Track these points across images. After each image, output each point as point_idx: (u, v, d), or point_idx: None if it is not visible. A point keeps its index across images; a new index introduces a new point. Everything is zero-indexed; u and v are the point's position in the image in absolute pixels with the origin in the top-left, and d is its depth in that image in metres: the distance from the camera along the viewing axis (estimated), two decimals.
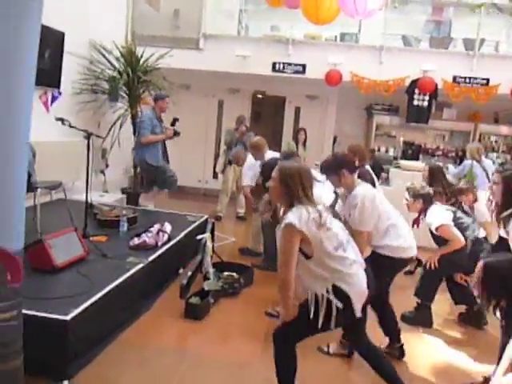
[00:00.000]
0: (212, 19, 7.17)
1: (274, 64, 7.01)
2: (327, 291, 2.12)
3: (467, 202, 4.35)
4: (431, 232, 3.59)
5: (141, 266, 3.35)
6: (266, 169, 3.63)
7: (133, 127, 6.43)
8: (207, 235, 4.04)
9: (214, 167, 8.91)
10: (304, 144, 7.20)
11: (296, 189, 2.15)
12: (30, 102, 1.96)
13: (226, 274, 4.25)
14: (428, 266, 3.52)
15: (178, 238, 4.19)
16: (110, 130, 6.15)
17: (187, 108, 7.49)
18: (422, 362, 3.13)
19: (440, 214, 3.50)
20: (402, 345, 3.10)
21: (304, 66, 6.96)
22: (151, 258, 3.57)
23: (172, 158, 6.49)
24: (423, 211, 3.59)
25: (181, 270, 4.27)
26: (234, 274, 4.27)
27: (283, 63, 6.99)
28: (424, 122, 7.07)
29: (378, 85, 6.80)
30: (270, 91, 8.33)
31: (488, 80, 6.77)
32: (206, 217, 5.23)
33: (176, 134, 5.46)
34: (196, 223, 4.85)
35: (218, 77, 7.60)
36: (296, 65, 6.95)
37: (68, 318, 2.41)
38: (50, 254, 2.98)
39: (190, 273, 3.65)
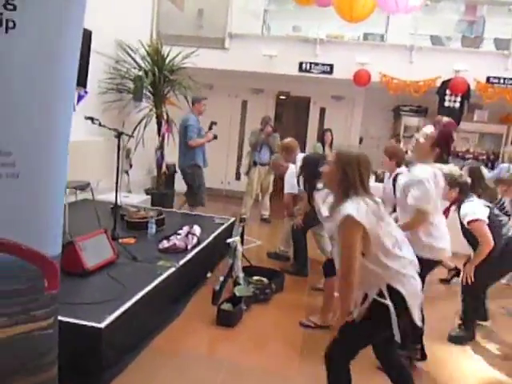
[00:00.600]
0: (237, 19, 7.06)
1: (300, 64, 6.87)
2: (381, 294, 1.95)
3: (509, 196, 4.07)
4: (462, 226, 3.36)
5: (172, 270, 3.25)
6: (309, 164, 3.50)
7: (157, 127, 6.37)
8: (237, 239, 3.91)
9: (237, 168, 8.82)
10: (330, 145, 7.03)
11: (354, 178, 1.96)
12: (71, 105, 1.88)
13: (255, 278, 4.13)
14: (465, 282, 3.31)
15: (207, 241, 4.08)
16: (134, 129, 6.09)
17: (210, 108, 7.31)
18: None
19: (477, 209, 3.26)
20: (423, 346, 2.94)
21: (331, 66, 6.80)
22: (182, 261, 3.46)
23: None
24: (457, 201, 3.36)
25: (209, 274, 4.16)
26: (264, 278, 4.16)
27: (310, 63, 6.85)
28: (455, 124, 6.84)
29: (408, 85, 6.61)
30: (295, 92, 8.19)
31: None
32: (233, 219, 5.12)
33: (215, 137, 5.51)
34: (224, 226, 4.74)
35: (242, 76, 7.49)
36: (323, 65, 6.80)
37: (102, 325, 2.31)
38: (80, 256, 2.89)
39: (222, 278, 3.53)
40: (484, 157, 7.52)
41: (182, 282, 3.45)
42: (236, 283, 3.73)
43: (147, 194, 6.47)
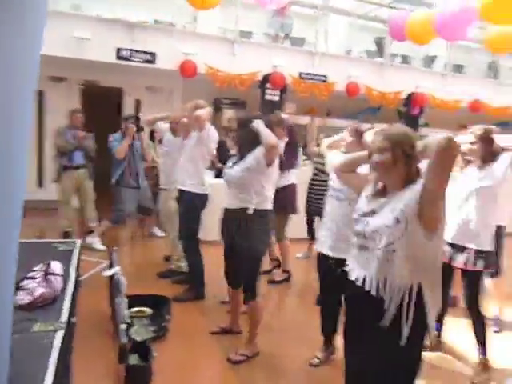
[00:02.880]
0: None
1: (118, 50, 6.03)
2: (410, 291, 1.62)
3: None
4: None
5: (61, 332, 2.33)
6: None
7: None
8: (118, 269, 3.14)
9: (39, 174, 7.31)
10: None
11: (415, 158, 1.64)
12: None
13: (134, 310, 3.45)
14: None
15: (72, 279, 3.13)
16: None
17: None
18: None
19: None
20: None
21: (154, 55, 6.20)
22: (63, 317, 2.53)
23: None
24: None
25: (74, 319, 3.23)
26: (145, 308, 3.51)
27: (130, 50, 6.09)
28: None
29: (234, 78, 6.59)
30: (105, 82, 7.21)
31: (326, 77, 7.31)
32: (77, 241, 4.13)
33: (139, 129, 5.05)
34: (75, 252, 3.74)
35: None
36: (145, 53, 6.14)
37: None
38: None
39: (123, 326, 2.74)
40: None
41: (65, 341, 2.55)
42: (127, 325, 3.00)
43: None
